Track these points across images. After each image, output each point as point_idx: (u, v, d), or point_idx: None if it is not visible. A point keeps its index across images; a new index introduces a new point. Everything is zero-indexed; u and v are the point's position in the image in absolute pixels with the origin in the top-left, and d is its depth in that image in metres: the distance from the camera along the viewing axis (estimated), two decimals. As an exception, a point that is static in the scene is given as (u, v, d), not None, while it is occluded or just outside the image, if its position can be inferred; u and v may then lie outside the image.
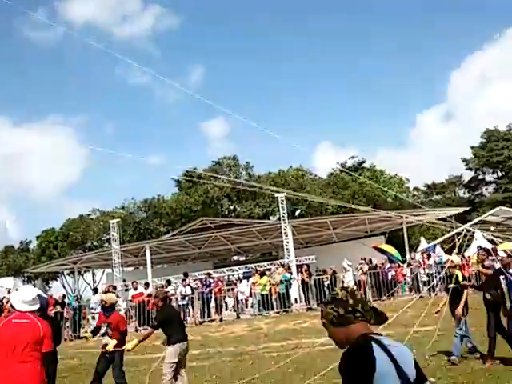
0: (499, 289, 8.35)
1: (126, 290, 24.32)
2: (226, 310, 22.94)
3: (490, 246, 25.14)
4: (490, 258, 8.94)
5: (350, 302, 2.35)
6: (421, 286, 20.21)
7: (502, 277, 8.52)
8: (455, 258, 9.85)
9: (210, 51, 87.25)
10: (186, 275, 22.36)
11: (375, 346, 2.20)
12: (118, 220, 30.83)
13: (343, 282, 22.10)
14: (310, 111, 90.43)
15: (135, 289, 21.54)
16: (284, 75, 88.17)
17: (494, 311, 8.15)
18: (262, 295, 20.66)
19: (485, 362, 8.00)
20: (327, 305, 2.42)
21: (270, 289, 20.84)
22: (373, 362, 2.14)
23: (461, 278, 8.65)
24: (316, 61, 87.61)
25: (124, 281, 27.85)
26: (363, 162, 57.96)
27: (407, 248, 29.62)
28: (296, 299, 22.60)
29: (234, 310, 21.94)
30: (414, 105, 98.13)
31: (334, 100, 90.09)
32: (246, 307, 22.58)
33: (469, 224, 28.67)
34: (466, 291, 8.53)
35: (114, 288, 22.99)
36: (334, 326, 2.36)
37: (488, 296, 8.23)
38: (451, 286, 8.69)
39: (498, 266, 10.55)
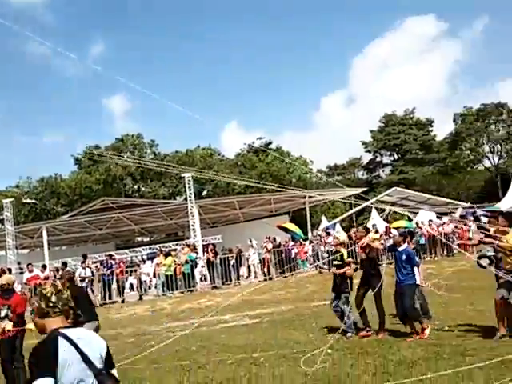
0: (373, 265, 8.74)
1: (21, 273, 22.98)
2: (132, 290, 22.43)
3: (384, 225, 26.64)
4: (369, 235, 9.31)
5: (53, 298, 2.75)
6: (321, 262, 20.92)
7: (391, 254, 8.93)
8: (341, 235, 10.22)
9: (110, 23, 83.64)
10: (84, 257, 21.51)
11: (61, 339, 2.57)
12: (11, 199, 28.92)
13: (248, 260, 22.40)
14: (217, 92, 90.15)
15: (30, 271, 20.39)
16: (189, 55, 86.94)
17: (372, 286, 8.54)
18: (167, 276, 20.41)
19: (378, 333, 8.41)
20: (35, 296, 2.82)
21: (175, 269, 20.63)
22: (55, 351, 2.52)
23: (345, 256, 8.97)
24: (222, 44, 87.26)
25: (19, 263, 26.31)
26: (270, 143, 58.84)
27: (309, 227, 30.59)
28: (201, 278, 22.57)
29: (137, 291, 21.49)
30: (318, 89, 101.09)
31: (242, 81, 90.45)
32: (150, 288, 22.21)
33: (378, 198, 30.07)
34: (349, 268, 8.85)
35: (10, 271, 21.61)
36: (35, 316, 2.77)
37: (372, 272, 8.59)
38: (336, 262, 8.98)
39: (389, 243, 11.09)
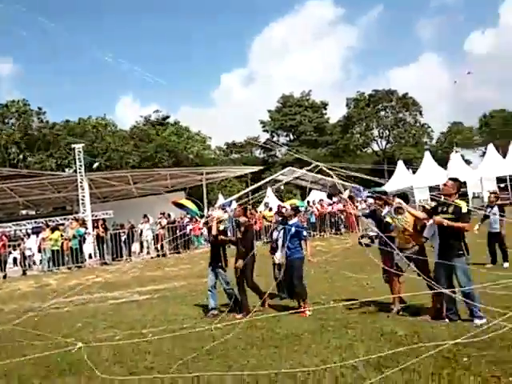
0: (248, 245, 8.69)
1: None
2: (15, 265, 21.13)
3: (278, 203, 27.32)
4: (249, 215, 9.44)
5: None
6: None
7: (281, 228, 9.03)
8: (219, 212, 10.24)
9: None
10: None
11: None
12: None
13: (141, 235, 21.97)
14: (114, 63, 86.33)
15: None
16: (90, 24, 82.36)
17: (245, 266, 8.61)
18: (53, 251, 19.50)
19: (263, 305, 8.56)
20: None
21: (62, 244, 19.75)
22: None
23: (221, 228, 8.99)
24: (121, 16, 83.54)
25: None
26: (168, 117, 57.68)
27: (206, 203, 30.57)
28: (90, 254, 21.81)
29: (21, 267, 20.29)
30: (218, 65, 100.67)
31: (140, 52, 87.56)
32: (35, 263, 21.07)
33: (262, 182, 30.64)
34: (225, 244, 8.91)
35: None
36: None
37: (243, 249, 8.63)
38: (211, 238, 8.98)
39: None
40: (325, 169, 7.74)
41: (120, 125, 56.90)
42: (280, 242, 9.35)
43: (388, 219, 7.87)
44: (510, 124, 65.52)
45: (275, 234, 9.61)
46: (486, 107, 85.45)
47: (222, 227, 9.10)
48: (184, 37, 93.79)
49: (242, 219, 8.87)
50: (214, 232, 8.83)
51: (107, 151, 45.42)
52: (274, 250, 9.43)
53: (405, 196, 8.12)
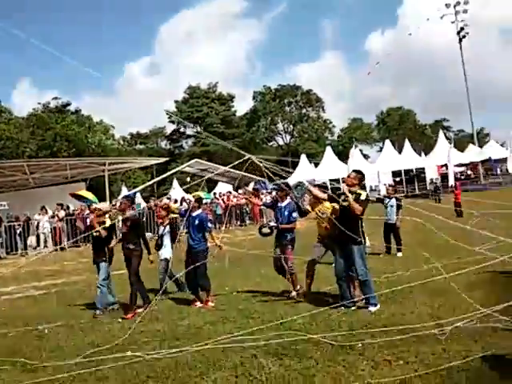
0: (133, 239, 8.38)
1: None
2: None
3: (182, 194, 27.19)
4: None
5: None
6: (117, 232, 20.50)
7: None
8: (103, 205, 9.92)
9: None
10: None
11: None
12: None
13: (38, 228, 20.90)
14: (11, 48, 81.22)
15: None
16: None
17: (131, 263, 8.23)
18: None
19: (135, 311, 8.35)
20: None
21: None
22: None
23: (107, 225, 8.55)
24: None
25: None
26: (68, 104, 55.18)
27: (108, 195, 29.64)
28: (-18, 248, 20.42)
29: None
30: (122, 54, 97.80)
31: (38, 35, 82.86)
32: None
33: (167, 174, 30.29)
34: (112, 240, 8.70)
35: None
36: None
37: (131, 246, 8.28)
38: (95, 233, 8.61)
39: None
40: (256, 161, 7.79)
41: (16, 112, 53.61)
42: (166, 238, 9.31)
43: (308, 207, 8.14)
44: (405, 121, 69.83)
45: (161, 230, 9.53)
46: (384, 105, 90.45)
47: (108, 222, 8.62)
48: (89, 21, 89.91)
49: (128, 213, 8.61)
50: (106, 225, 8.41)
51: (1, 139, 42.59)
52: (159, 247, 9.34)
53: (325, 186, 8.47)
